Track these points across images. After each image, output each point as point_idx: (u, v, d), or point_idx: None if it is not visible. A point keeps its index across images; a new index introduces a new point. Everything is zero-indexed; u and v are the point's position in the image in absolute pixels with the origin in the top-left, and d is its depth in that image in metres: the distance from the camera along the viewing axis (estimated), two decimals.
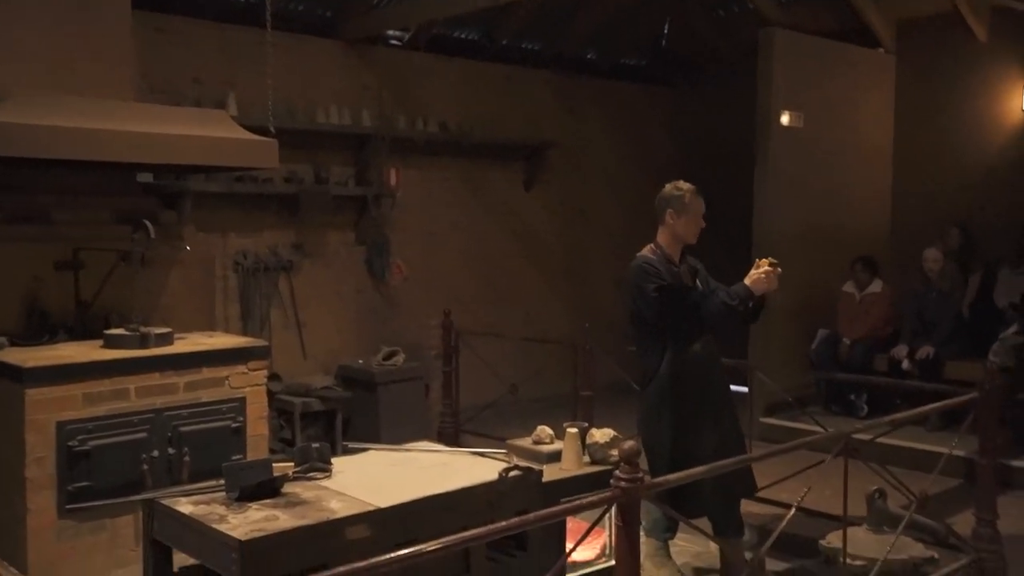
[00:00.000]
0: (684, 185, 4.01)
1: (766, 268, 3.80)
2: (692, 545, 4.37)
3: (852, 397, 6.83)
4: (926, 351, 6.43)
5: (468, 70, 7.69)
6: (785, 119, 6.96)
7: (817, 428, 5.01)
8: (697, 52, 8.97)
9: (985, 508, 3.96)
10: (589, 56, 8.80)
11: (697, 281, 4.06)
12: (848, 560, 3.46)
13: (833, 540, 3.82)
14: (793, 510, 3.13)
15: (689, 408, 3.91)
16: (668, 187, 4.05)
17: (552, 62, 8.28)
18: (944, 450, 4.06)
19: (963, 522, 4.32)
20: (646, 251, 4.03)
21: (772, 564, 4.07)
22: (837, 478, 3.36)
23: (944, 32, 7.50)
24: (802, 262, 7.06)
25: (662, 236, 4.02)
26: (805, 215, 7.01)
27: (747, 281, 3.80)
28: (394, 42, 7.15)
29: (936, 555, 3.79)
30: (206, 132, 4.69)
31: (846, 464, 3.23)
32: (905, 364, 6.50)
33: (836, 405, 6.91)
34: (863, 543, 3.68)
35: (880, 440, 5.08)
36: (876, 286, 7.03)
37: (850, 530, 3.53)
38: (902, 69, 7.87)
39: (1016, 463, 5.63)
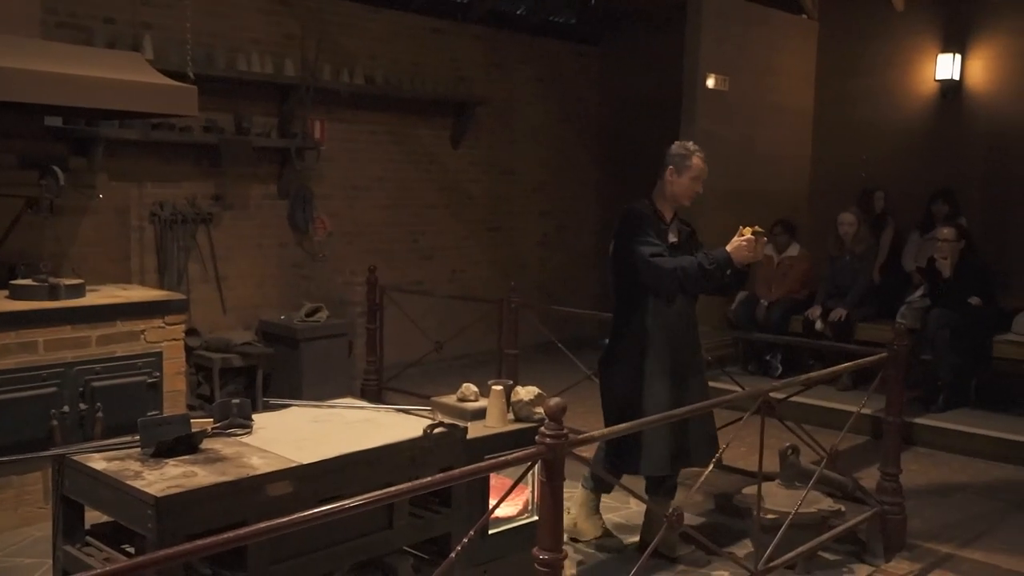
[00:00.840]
0: (692, 146, 3.88)
1: (748, 236, 3.67)
2: (613, 501, 4.46)
3: (768, 357, 7.03)
4: (839, 313, 6.64)
5: (395, 21, 7.53)
6: (711, 82, 7.04)
7: (735, 387, 5.15)
8: (626, 11, 8.96)
9: (890, 463, 4.14)
10: (519, 12, 8.71)
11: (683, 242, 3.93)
12: (761, 513, 3.58)
13: (748, 494, 3.93)
14: (711, 466, 3.21)
15: (653, 367, 3.82)
16: (676, 144, 3.92)
17: (480, 17, 8.17)
18: (854, 408, 4.22)
19: (869, 476, 4.52)
20: (638, 203, 3.90)
21: (689, 519, 4.18)
22: (753, 435, 3.46)
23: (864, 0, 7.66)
24: (724, 224, 7.19)
25: (658, 191, 3.90)
26: (728, 177, 7.11)
27: (728, 248, 3.71)
28: None
29: (843, 508, 3.95)
30: (120, 75, 4.47)
31: (763, 422, 3.33)
32: (819, 325, 6.71)
33: (753, 365, 7.11)
34: (776, 497, 3.81)
35: (793, 399, 5.27)
36: (793, 249, 7.22)
37: (764, 485, 3.65)
38: (824, 35, 8.02)
39: (918, 420, 5.89)
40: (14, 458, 3.93)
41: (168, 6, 6.05)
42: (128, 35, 5.88)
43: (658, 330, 3.82)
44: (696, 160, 3.83)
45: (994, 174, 7.18)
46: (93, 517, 2.93)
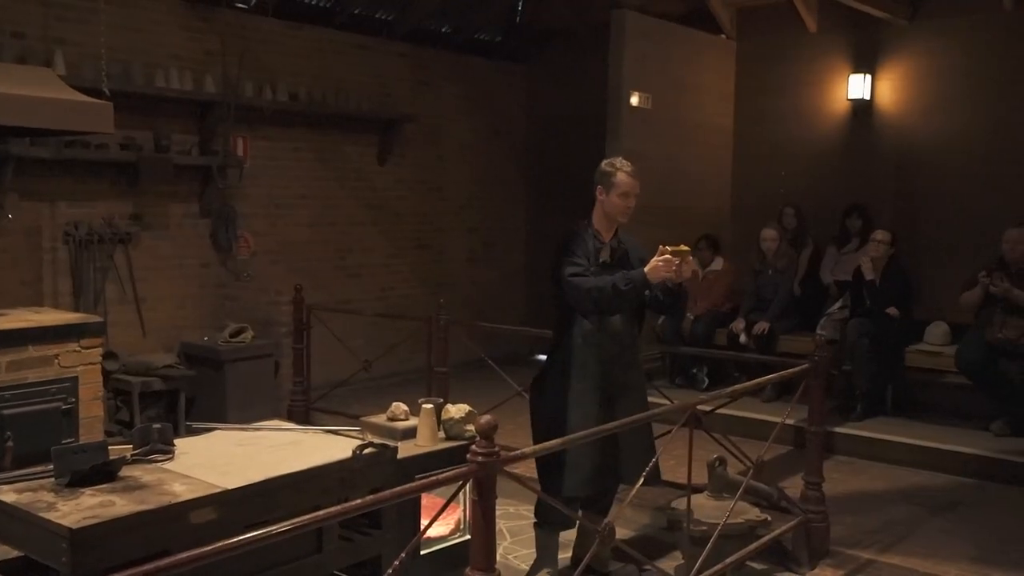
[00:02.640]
0: (618, 163, 3.82)
1: (666, 256, 3.53)
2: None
3: (694, 371, 7.14)
4: (762, 326, 6.79)
5: (318, 38, 7.46)
6: (635, 100, 7.15)
7: (664, 400, 5.20)
8: (551, 30, 9.06)
9: (813, 472, 4.24)
10: (444, 30, 8.72)
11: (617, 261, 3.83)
12: (692, 525, 3.62)
13: (678, 507, 3.97)
14: (641, 480, 3.23)
15: (581, 386, 3.73)
16: (603, 163, 3.87)
17: (406, 34, 8.15)
18: (778, 419, 4.30)
19: (793, 485, 4.62)
20: (579, 224, 3.86)
21: (622, 533, 4.20)
22: (681, 448, 3.50)
23: (779, 21, 7.91)
24: (648, 240, 7.30)
25: (595, 212, 3.84)
26: (652, 194, 7.20)
27: (646, 267, 3.60)
28: (240, 5, 6.82)
29: (769, 518, 4.01)
30: (29, 91, 4.33)
31: (691, 434, 3.37)
32: (742, 338, 6.85)
33: (679, 378, 7.21)
34: (705, 509, 3.86)
35: (720, 411, 5.35)
36: (717, 264, 7.37)
37: (693, 497, 3.69)
38: (741, 55, 8.24)
39: (838, 429, 6.06)
40: None
41: (82, 21, 5.87)
42: (39, 50, 5.69)
43: (588, 348, 3.74)
44: (621, 176, 3.77)
45: (904, 190, 7.46)
46: (3, 552, 2.79)
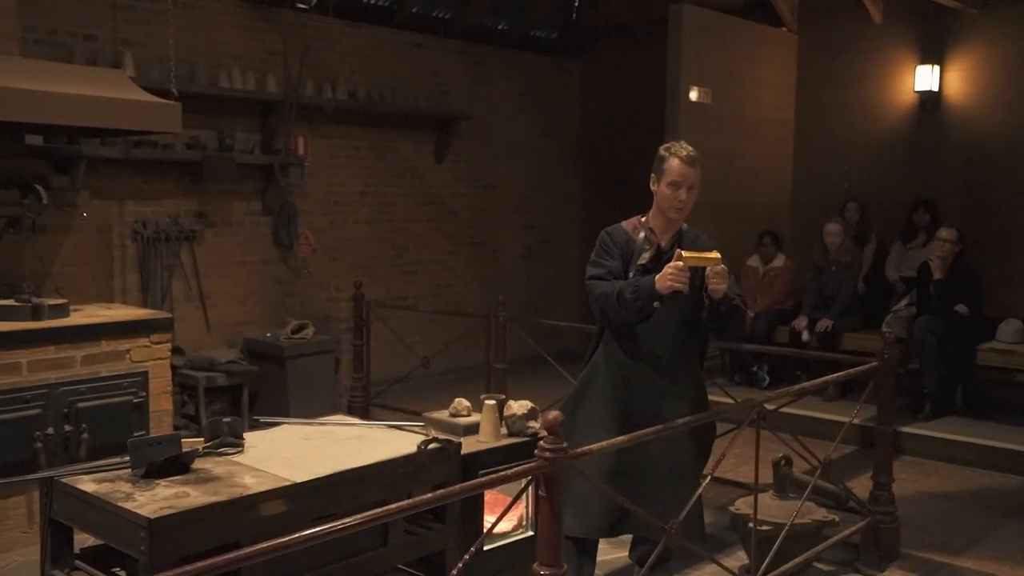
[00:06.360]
0: (675, 147, 3.27)
1: (677, 263, 3.04)
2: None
3: (755, 368, 7.04)
4: (825, 324, 6.67)
5: (376, 37, 7.52)
6: (694, 95, 7.08)
7: (727, 399, 5.14)
8: (607, 25, 9.00)
9: (882, 473, 4.15)
10: (500, 27, 8.73)
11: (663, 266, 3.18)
12: (756, 525, 3.57)
13: (741, 507, 3.92)
14: (708, 479, 3.19)
15: (595, 411, 3.27)
16: (662, 147, 3.35)
17: (462, 32, 8.18)
18: (840, 418, 4.22)
19: (859, 486, 4.52)
20: (628, 221, 3.38)
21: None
22: (741, 447, 3.45)
23: (843, 13, 7.75)
24: (710, 235, 7.21)
25: (653, 206, 3.34)
26: (710, 189, 7.12)
27: (658, 275, 3.09)
28: (301, 5, 6.91)
29: (836, 518, 3.94)
30: (102, 92, 4.42)
31: (758, 433, 3.31)
32: (805, 336, 6.73)
33: (739, 376, 7.12)
34: (770, 508, 3.80)
35: (781, 410, 5.27)
36: (779, 260, 7.26)
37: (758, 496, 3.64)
38: (803, 48, 8.10)
39: (905, 429, 5.91)
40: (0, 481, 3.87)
41: (148, 23, 6.01)
42: (109, 52, 5.83)
43: (610, 368, 3.28)
44: (674, 163, 3.22)
45: (973, 183, 7.26)
46: (82, 540, 2.87)
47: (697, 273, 3.08)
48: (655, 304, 3.15)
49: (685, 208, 3.27)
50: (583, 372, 3.43)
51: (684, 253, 3.05)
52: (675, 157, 3.24)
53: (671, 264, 3.03)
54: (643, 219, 3.37)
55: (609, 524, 3.29)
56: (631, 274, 3.24)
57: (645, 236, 3.30)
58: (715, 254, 3.08)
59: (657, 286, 3.06)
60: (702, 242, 3.34)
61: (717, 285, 3.03)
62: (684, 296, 3.10)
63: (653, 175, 3.31)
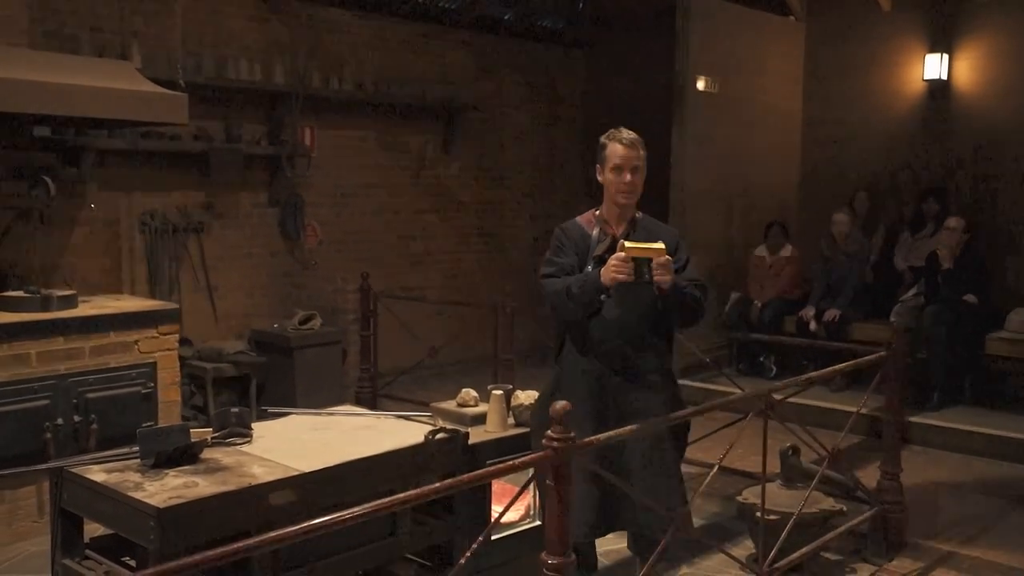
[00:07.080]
0: (615, 132, 3.23)
1: (619, 254, 2.97)
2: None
3: (762, 359, 7.03)
4: (833, 314, 6.65)
5: (383, 27, 7.50)
6: (701, 84, 7.05)
7: (734, 389, 5.14)
8: (613, 15, 8.97)
9: (890, 462, 4.14)
10: (506, 17, 8.70)
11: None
12: (764, 514, 3.56)
13: (749, 496, 3.92)
14: (716, 468, 3.19)
15: (570, 415, 2.90)
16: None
17: (468, 22, 8.15)
18: (848, 408, 4.21)
19: (867, 476, 4.51)
20: (582, 216, 3.36)
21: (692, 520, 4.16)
22: (749, 437, 3.45)
23: (851, 1, 7.69)
24: (717, 226, 7.21)
25: (604, 198, 3.29)
26: (719, 180, 7.13)
27: (603, 268, 3.03)
28: None
29: (844, 508, 3.94)
30: (109, 83, 4.44)
31: (766, 423, 3.31)
32: (812, 326, 6.72)
33: (746, 366, 7.11)
34: (777, 498, 3.79)
35: (789, 399, 5.27)
36: (786, 250, 7.24)
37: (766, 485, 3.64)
38: (811, 36, 8.05)
39: (913, 419, 5.90)
40: (9, 472, 3.89)
41: (155, 14, 6.01)
42: (116, 44, 5.83)
43: (577, 365, 3.20)
44: (615, 147, 3.15)
45: (982, 173, 7.21)
46: (92, 530, 2.89)
47: (646, 264, 2.98)
48: (602, 297, 3.09)
49: (633, 192, 3.20)
50: (552, 374, 3.35)
51: (627, 244, 2.99)
52: (615, 142, 3.19)
53: (614, 256, 2.98)
54: (597, 212, 3.32)
55: (591, 527, 3.20)
56: (589, 268, 3.18)
57: (600, 229, 3.25)
58: (659, 245, 3.00)
59: (602, 278, 3.01)
60: (661, 229, 3.29)
61: (661, 277, 2.96)
62: (643, 286, 3.01)
63: (598, 165, 3.26)
